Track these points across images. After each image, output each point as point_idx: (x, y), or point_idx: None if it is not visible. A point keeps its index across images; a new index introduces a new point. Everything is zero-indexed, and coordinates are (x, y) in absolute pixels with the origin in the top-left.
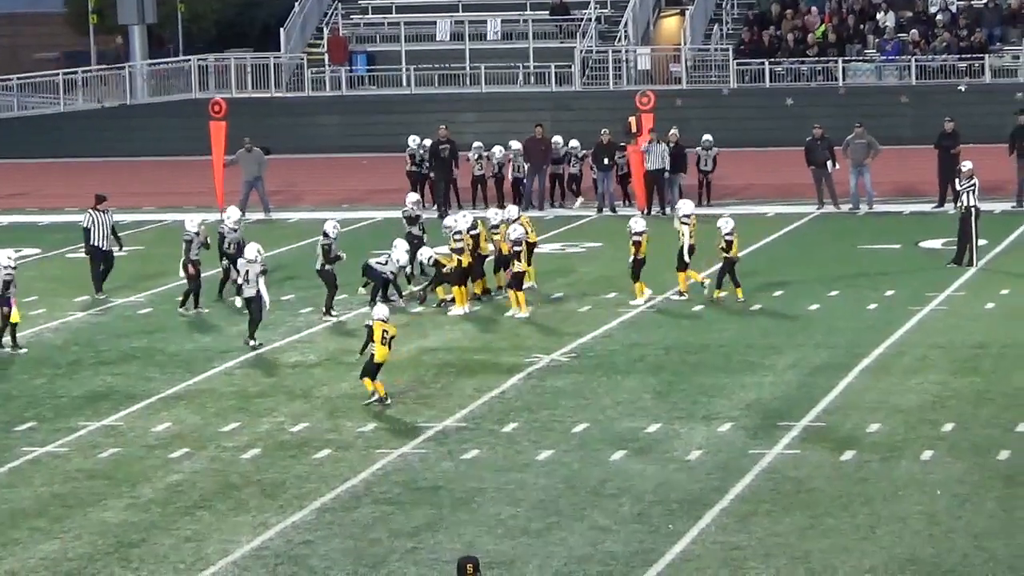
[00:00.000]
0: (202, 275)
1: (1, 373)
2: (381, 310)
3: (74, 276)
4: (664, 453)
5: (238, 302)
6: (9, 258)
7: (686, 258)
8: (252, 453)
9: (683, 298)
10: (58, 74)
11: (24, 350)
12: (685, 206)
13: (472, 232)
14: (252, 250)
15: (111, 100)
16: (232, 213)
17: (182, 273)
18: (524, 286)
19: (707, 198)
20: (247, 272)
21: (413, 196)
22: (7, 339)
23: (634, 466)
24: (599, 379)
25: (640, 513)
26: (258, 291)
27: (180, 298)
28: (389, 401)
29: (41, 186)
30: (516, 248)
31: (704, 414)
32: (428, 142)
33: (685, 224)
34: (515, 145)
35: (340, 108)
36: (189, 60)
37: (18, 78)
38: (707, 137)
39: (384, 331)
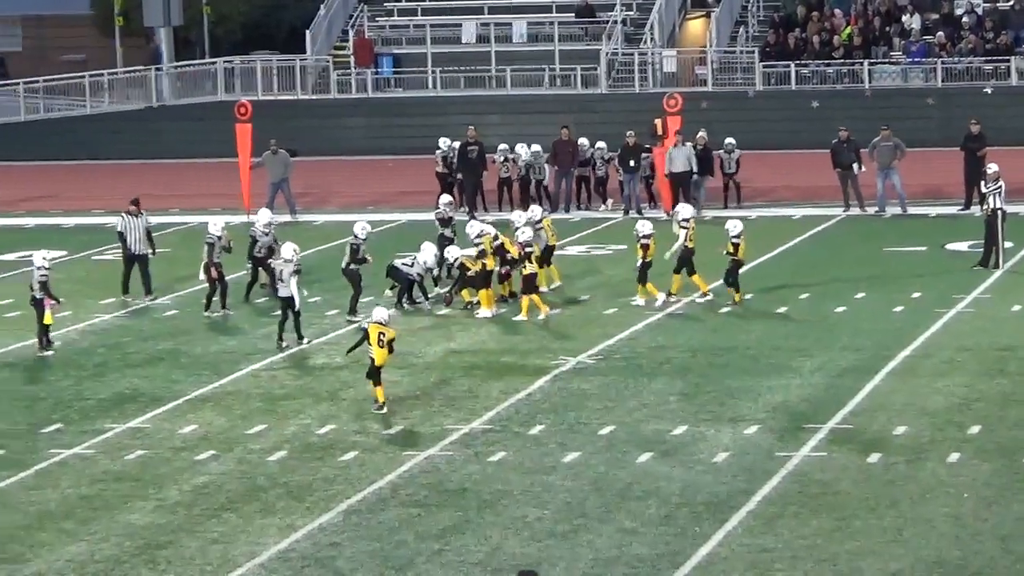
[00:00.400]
0: (227, 277)
1: (28, 375)
2: (379, 312)
3: (100, 278)
4: (690, 455)
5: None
6: (44, 259)
7: (667, 255)
8: (278, 455)
9: (708, 298)
10: (84, 76)
11: (51, 352)
12: (684, 210)
13: (495, 243)
14: (288, 250)
15: (137, 102)
16: (263, 216)
17: (202, 276)
18: (550, 287)
19: (737, 200)
20: (281, 272)
21: (446, 198)
22: (36, 340)
23: (660, 468)
24: (625, 381)
25: (666, 515)
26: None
27: (204, 301)
28: (384, 410)
29: (67, 188)
30: (527, 250)
31: (730, 416)
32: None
33: (684, 228)
34: (535, 147)
35: (366, 110)
36: (215, 62)
37: (44, 80)
38: (730, 140)
39: (380, 334)
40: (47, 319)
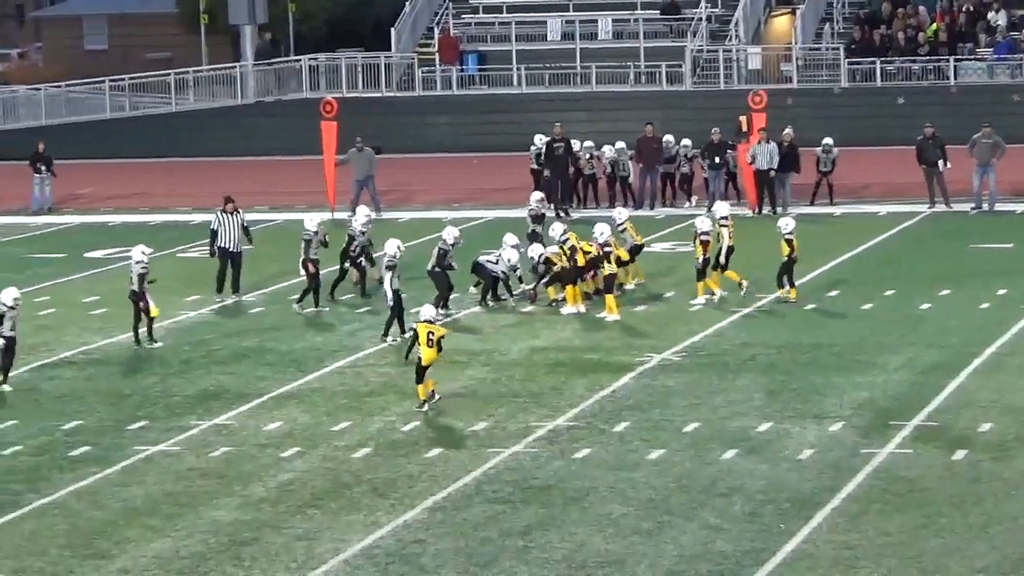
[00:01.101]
0: (320, 273)
1: (115, 372)
2: (427, 311)
3: (185, 275)
4: (775, 452)
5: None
6: (143, 252)
7: (722, 259)
8: (363, 452)
9: (715, 297)
10: (169, 74)
11: (159, 343)
12: (722, 208)
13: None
14: (392, 245)
15: (223, 100)
16: (360, 215)
17: (302, 272)
18: (629, 285)
19: (830, 199)
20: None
21: (537, 195)
22: (142, 333)
23: (745, 465)
24: (710, 378)
25: (751, 512)
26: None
27: (297, 296)
28: (438, 397)
29: (152, 186)
30: (607, 250)
31: (815, 413)
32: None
33: (724, 226)
34: (619, 144)
35: (450, 108)
36: (300, 60)
37: (130, 78)
38: (827, 140)
39: (429, 333)
40: (154, 311)
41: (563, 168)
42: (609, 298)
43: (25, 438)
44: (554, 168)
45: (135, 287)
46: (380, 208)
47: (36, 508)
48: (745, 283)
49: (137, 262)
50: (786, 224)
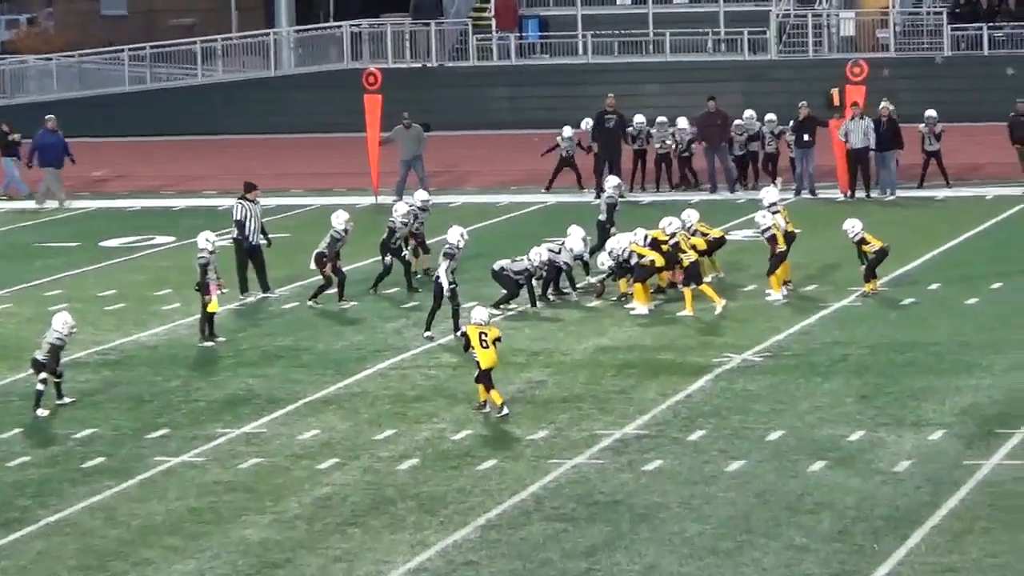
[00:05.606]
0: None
1: (132, 374)
2: (478, 313)
3: None
4: (869, 464)
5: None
6: (207, 240)
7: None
8: (409, 464)
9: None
10: (195, 42)
11: (213, 343)
12: (770, 194)
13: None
14: (455, 233)
15: (255, 71)
16: (400, 207)
17: (313, 266)
18: (707, 278)
19: (945, 180)
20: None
21: (613, 179)
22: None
23: (835, 478)
24: (796, 381)
25: (841, 531)
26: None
27: (312, 293)
28: (506, 412)
29: (174, 167)
30: (672, 242)
31: (913, 420)
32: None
33: (777, 213)
34: (682, 123)
35: (509, 79)
36: (341, 27)
37: (151, 47)
38: (931, 112)
39: (482, 334)
40: (212, 307)
41: (614, 144)
42: (704, 289)
43: (33, 448)
44: (604, 144)
45: (200, 278)
46: (429, 192)
47: (46, 525)
48: (786, 288)
49: (200, 250)
50: (852, 227)
